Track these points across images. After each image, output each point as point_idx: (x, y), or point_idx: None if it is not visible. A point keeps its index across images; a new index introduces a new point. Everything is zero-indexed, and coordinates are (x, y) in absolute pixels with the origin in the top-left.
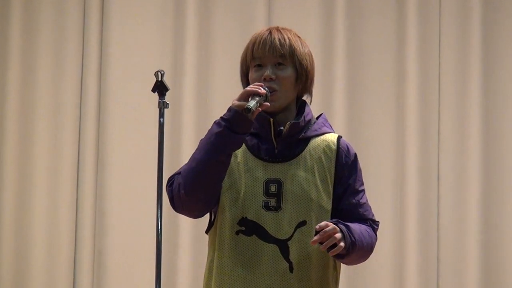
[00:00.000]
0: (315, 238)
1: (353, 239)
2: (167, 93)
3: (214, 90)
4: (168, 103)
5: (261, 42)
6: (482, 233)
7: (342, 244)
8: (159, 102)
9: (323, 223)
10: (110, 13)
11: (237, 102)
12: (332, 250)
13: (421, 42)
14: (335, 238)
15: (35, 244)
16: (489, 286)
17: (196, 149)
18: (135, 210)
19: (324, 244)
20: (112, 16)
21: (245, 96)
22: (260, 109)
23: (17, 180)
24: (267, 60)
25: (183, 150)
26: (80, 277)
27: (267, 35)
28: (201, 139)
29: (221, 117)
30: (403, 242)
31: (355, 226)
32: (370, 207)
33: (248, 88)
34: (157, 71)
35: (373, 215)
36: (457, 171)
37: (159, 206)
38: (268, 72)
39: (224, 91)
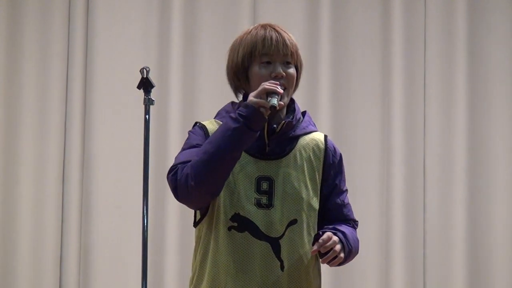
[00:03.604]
0: (315, 248)
1: (350, 246)
2: (152, 90)
3: (200, 87)
4: (153, 100)
5: (272, 39)
6: (468, 230)
7: (342, 255)
8: (144, 99)
9: (325, 236)
10: (95, 10)
11: (254, 99)
12: (333, 261)
13: (406, 38)
14: (335, 251)
15: (21, 241)
16: (475, 282)
17: (207, 142)
18: (121, 206)
19: (325, 257)
20: (98, 13)
21: (263, 93)
22: (278, 107)
23: (2, 177)
24: (277, 58)
25: (169, 146)
26: (66, 273)
27: (276, 34)
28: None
29: (238, 113)
30: (389, 240)
31: (349, 232)
32: (351, 206)
33: (266, 86)
34: (143, 68)
35: (353, 214)
36: (443, 168)
37: (145, 202)
38: (280, 69)
39: (210, 87)
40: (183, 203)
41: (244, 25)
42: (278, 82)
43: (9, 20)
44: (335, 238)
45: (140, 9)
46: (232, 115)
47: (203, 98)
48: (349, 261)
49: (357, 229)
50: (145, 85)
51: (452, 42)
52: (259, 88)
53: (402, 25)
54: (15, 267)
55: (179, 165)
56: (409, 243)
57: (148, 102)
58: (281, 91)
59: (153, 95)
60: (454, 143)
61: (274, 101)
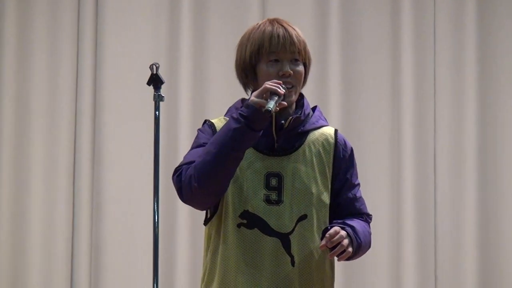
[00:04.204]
0: (323, 242)
1: (359, 241)
2: (162, 86)
3: (210, 83)
4: (163, 96)
5: (280, 37)
6: (479, 225)
7: (350, 249)
8: (154, 95)
9: (332, 230)
10: (104, 6)
11: (255, 99)
12: (341, 256)
13: (416, 33)
14: (343, 246)
15: (32, 238)
16: (487, 278)
17: (210, 143)
18: (132, 202)
19: (333, 252)
20: (107, 9)
21: (265, 93)
22: (277, 108)
23: (13, 176)
24: (285, 56)
25: (179, 143)
26: (77, 270)
27: (284, 31)
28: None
29: (239, 113)
30: (400, 236)
31: (359, 226)
32: (364, 200)
33: (268, 86)
34: (152, 64)
35: (367, 208)
36: (453, 163)
37: (155, 199)
38: (287, 68)
39: (219, 84)
40: (188, 204)
41: (253, 22)
42: (280, 82)
43: (19, 19)
44: (342, 232)
45: (150, 5)
46: (234, 115)
47: (213, 94)
48: (361, 255)
49: (370, 222)
50: (155, 81)
51: (462, 36)
52: (261, 88)
53: (412, 19)
54: (27, 264)
55: (183, 166)
56: (420, 238)
57: (158, 99)
58: (282, 91)
59: (163, 91)
60: (465, 138)
61: (271, 105)
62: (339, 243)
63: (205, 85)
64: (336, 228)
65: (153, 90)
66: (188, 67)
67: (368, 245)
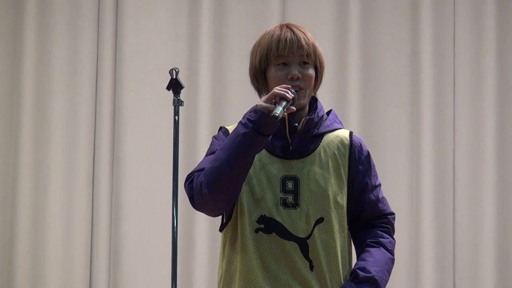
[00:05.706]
0: None
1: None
2: (182, 91)
3: (229, 88)
4: (183, 101)
5: (287, 40)
6: (497, 228)
7: None
8: (174, 100)
9: None
10: (124, 11)
11: (264, 104)
12: None
13: (436, 38)
14: None
15: (52, 242)
16: (506, 281)
17: (220, 149)
18: (151, 207)
19: None
20: (127, 14)
21: (273, 98)
22: (286, 114)
23: (33, 178)
24: (293, 59)
25: (199, 148)
26: (96, 274)
27: (291, 34)
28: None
29: (247, 118)
30: (419, 239)
31: (381, 266)
32: (386, 200)
33: (276, 91)
34: (172, 69)
35: (390, 207)
36: (472, 167)
37: (174, 203)
38: (295, 71)
39: (239, 88)
40: (200, 211)
41: (273, 26)
42: (289, 86)
43: (39, 24)
44: None
45: (169, 10)
46: (242, 120)
47: (232, 99)
48: None
49: (394, 222)
50: (175, 86)
51: (481, 41)
52: (270, 93)
53: (431, 24)
54: (46, 267)
55: (195, 173)
56: (439, 242)
57: (177, 103)
58: (291, 96)
59: (183, 96)
60: (484, 140)
61: (278, 110)
62: None
63: (224, 90)
64: None
65: (172, 95)
66: (207, 72)
67: (391, 269)
